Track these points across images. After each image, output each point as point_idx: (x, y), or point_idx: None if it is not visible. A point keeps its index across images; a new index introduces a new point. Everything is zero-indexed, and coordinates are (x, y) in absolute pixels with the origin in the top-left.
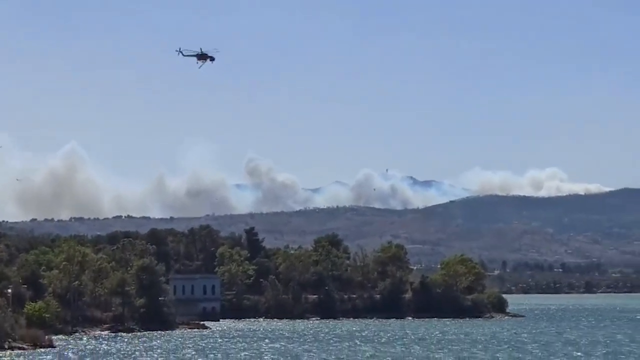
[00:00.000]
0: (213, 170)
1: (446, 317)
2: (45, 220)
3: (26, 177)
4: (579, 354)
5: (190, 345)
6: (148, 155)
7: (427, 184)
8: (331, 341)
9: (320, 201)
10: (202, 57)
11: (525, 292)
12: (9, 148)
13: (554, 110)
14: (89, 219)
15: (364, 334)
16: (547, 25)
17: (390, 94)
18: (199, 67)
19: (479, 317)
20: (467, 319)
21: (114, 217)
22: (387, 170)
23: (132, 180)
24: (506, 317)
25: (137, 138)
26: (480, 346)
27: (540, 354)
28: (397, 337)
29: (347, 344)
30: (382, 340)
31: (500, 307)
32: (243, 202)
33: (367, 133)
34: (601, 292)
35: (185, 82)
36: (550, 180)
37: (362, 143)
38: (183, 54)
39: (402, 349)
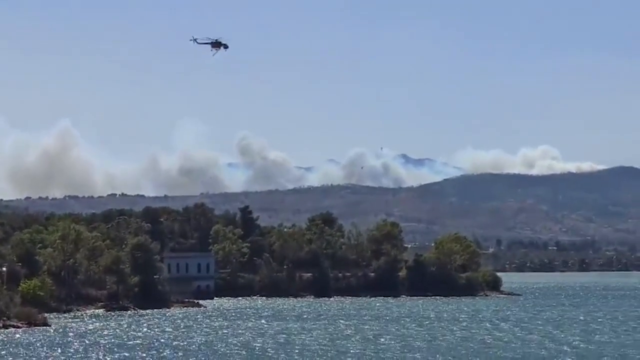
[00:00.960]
0: (206, 149)
1: (440, 296)
2: (40, 198)
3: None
4: (556, 332)
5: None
6: (141, 134)
7: (419, 162)
8: (309, 320)
9: (313, 179)
10: (216, 45)
11: (520, 270)
12: (1, 127)
13: (545, 89)
14: (83, 197)
15: (349, 312)
16: (537, 5)
17: (382, 73)
18: (213, 55)
19: (474, 295)
20: (462, 297)
21: (108, 195)
22: (381, 148)
23: (125, 159)
24: (501, 296)
25: (129, 117)
26: (463, 324)
27: (517, 330)
28: (378, 315)
29: (325, 322)
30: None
31: (494, 285)
32: (235, 180)
33: (360, 112)
34: (595, 270)
35: (177, 62)
36: (543, 159)
37: (355, 121)
38: (197, 42)
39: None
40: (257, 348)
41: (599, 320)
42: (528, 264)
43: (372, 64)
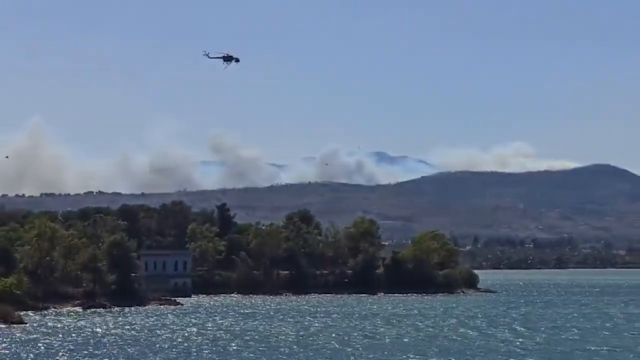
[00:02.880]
0: (179, 147)
1: (418, 293)
2: (16, 196)
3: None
4: (522, 329)
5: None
6: (113, 132)
7: (393, 160)
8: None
9: (287, 177)
10: (228, 59)
11: (496, 268)
12: None
13: (520, 87)
14: (59, 194)
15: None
16: (512, 3)
17: (356, 70)
18: (224, 69)
19: (451, 292)
20: (439, 294)
21: (85, 193)
22: (359, 147)
23: (97, 157)
24: (478, 293)
25: (100, 114)
26: (430, 321)
27: (484, 327)
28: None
29: (292, 319)
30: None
31: (471, 282)
32: (209, 178)
33: (333, 109)
34: (572, 268)
35: (151, 58)
36: (518, 157)
37: (328, 119)
38: (209, 57)
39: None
40: (212, 345)
41: (568, 317)
42: (505, 262)
43: (346, 61)
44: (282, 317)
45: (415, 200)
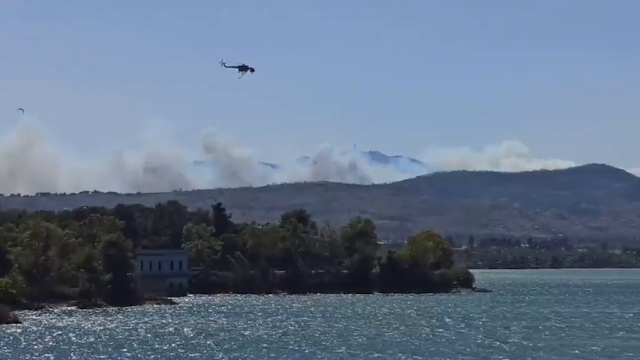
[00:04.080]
0: (172, 146)
1: (413, 293)
2: (12, 195)
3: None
4: (500, 328)
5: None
6: (106, 131)
7: (386, 159)
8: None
9: (280, 177)
10: (243, 68)
11: (492, 267)
12: None
13: (515, 86)
14: (55, 194)
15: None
16: (500, 2)
17: (347, 71)
18: (239, 78)
19: (447, 292)
20: (434, 294)
21: (80, 193)
22: (354, 145)
23: (90, 157)
24: (474, 292)
25: (94, 113)
26: (412, 320)
27: (458, 326)
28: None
29: (270, 319)
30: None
31: (467, 282)
32: (202, 178)
33: (326, 108)
34: (567, 267)
35: (142, 58)
36: (511, 156)
37: (321, 118)
38: (225, 66)
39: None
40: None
41: (548, 317)
42: (500, 261)
43: (339, 61)
44: (279, 316)
45: (411, 200)
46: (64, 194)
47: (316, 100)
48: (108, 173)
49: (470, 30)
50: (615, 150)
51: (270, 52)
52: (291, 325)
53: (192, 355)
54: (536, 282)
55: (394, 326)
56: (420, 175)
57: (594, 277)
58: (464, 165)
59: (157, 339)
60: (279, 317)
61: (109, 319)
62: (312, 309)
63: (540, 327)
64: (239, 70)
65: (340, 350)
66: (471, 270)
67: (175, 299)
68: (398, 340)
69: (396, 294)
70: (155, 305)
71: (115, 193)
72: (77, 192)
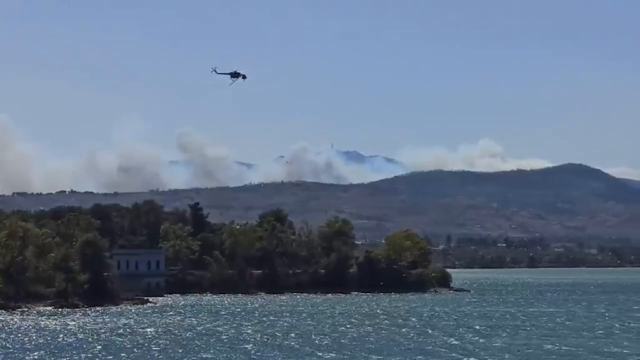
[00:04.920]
0: (146, 146)
1: (391, 292)
2: None
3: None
4: (460, 326)
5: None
6: (79, 131)
7: (361, 159)
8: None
9: (255, 176)
10: (235, 75)
11: (469, 267)
12: None
13: (492, 87)
14: (32, 194)
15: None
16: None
17: (320, 70)
18: (230, 85)
19: (424, 292)
20: (411, 293)
21: (57, 193)
22: (332, 145)
23: (64, 156)
24: (451, 292)
25: (67, 113)
26: (377, 319)
27: (421, 325)
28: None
29: (237, 318)
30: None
31: (444, 282)
32: (177, 177)
33: (300, 108)
34: (544, 267)
35: (118, 56)
36: (488, 156)
37: (296, 117)
38: (217, 72)
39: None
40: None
41: (514, 316)
42: (478, 261)
43: (311, 61)
44: (239, 317)
45: (388, 200)
46: (41, 193)
47: (292, 99)
48: (82, 173)
49: (444, 31)
50: (592, 150)
51: (245, 51)
52: (253, 325)
53: (149, 356)
54: (514, 282)
55: (359, 326)
56: (397, 175)
57: (568, 276)
58: (440, 164)
59: (118, 339)
60: (248, 317)
61: (75, 318)
62: (283, 308)
63: (502, 326)
64: (231, 77)
65: (298, 348)
66: (448, 270)
67: (152, 299)
68: (358, 339)
69: (374, 294)
70: (131, 306)
71: (92, 193)
72: (53, 192)
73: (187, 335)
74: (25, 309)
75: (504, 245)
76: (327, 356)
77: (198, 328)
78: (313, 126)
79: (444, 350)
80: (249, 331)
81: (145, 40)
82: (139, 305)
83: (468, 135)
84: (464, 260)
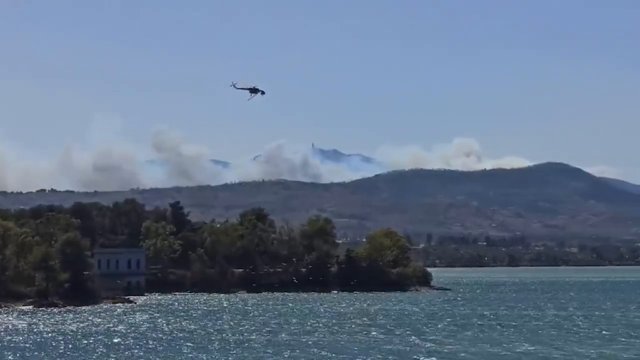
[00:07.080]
0: (122, 145)
1: (372, 291)
2: None
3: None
4: (427, 325)
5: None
6: (54, 129)
7: (338, 158)
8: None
9: (231, 174)
10: (254, 91)
11: (450, 266)
12: None
13: (469, 86)
14: (12, 192)
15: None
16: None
17: (299, 70)
18: (248, 100)
19: (404, 290)
20: (392, 292)
21: (37, 191)
22: (312, 144)
23: (38, 155)
24: (432, 291)
25: (41, 111)
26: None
27: (388, 324)
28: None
29: (213, 317)
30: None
31: (425, 280)
32: (153, 176)
33: (276, 107)
34: (524, 266)
35: (92, 54)
36: (464, 155)
37: (272, 115)
38: (236, 87)
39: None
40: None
41: (482, 316)
42: (458, 259)
43: (291, 61)
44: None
45: (369, 199)
46: (21, 192)
47: (268, 98)
48: (57, 172)
49: (420, 32)
50: (573, 150)
51: (223, 50)
52: (226, 324)
53: (114, 355)
54: (494, 282)
55: (327, 325)
56: (377, 173)
57: (547, 275)
58: (417, 164)
59: (85, 338)
60: (223, 316)
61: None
62: (254, 307)
63: (467, 325)
64: (250, 92)
65: (259, 347)
66: (429, 269)
67: (132, 298)
68: (323, 338)
69: (354, 292)
70: (112, 305)
71: (71, 192)
72: (33, 191)
73: (153, 335)
74: (6, 308)
75: (485, 244)
76: (286, 354)
77: (165, 328)
78: (290, 125)
79: (406, 348)
80: (214, 330)
81: (120, 39)
82: (121, 304)
83: (443, 135)
84: (445, 259)
